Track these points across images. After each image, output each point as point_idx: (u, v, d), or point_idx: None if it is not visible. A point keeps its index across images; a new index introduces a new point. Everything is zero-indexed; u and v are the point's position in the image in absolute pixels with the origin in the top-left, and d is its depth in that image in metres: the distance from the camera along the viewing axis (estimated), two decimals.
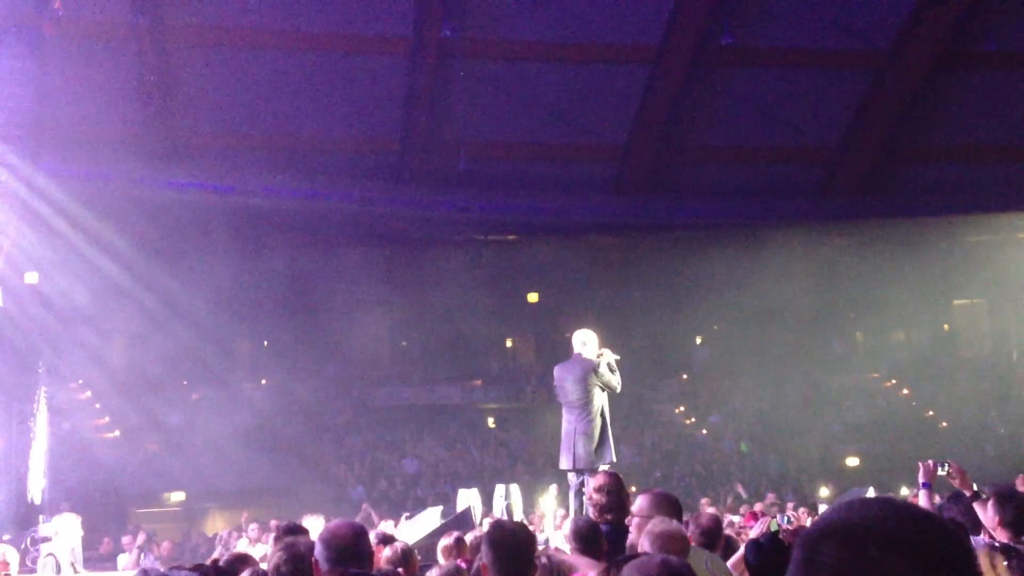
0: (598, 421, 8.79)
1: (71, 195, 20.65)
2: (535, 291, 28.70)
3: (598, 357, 8.98)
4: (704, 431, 27.76)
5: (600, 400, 8.86)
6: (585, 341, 9.05)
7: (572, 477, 8.94)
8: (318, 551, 3.90)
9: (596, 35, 23.29)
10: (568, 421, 8.94)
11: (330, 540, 3.90)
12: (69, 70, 20.72)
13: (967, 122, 26.01)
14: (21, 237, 19.49)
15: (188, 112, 23.46)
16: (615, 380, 8.96)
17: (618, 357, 9.13)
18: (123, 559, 13.01)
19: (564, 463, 8.99)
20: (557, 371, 9.21)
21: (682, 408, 28.68)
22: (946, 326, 32.23)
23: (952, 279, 29.31)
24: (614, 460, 8.80)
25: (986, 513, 5.38)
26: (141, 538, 13.50)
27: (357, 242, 26.82)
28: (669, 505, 5.01)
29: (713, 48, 23.50)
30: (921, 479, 5.94)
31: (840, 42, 24.15)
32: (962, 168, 27.05)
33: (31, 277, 20.93)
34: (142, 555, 13.31)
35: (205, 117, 23.61)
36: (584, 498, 7.82)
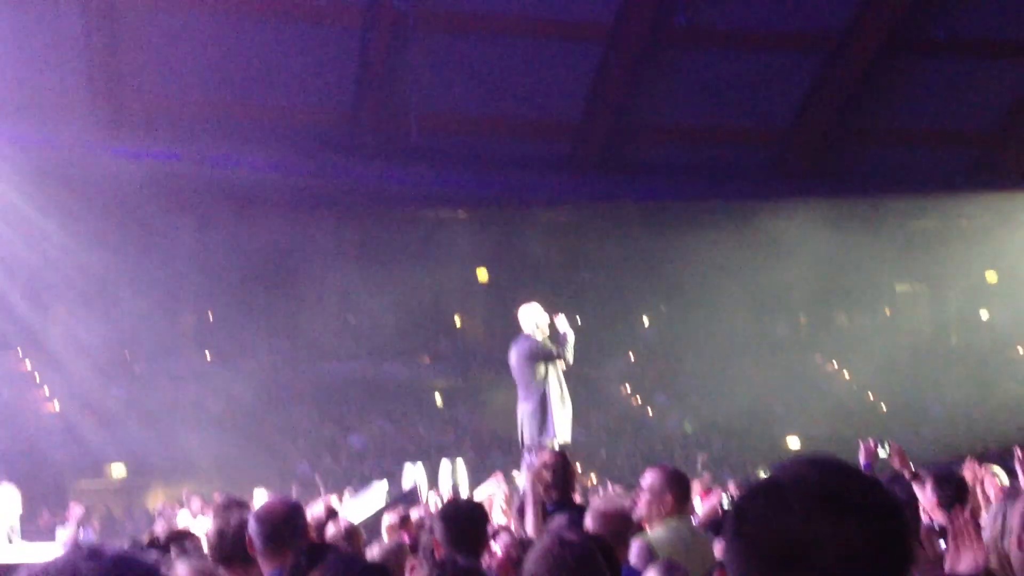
0: (540, 398, 8.75)
1: (12, 160, 20.19)
2: (485, 268, 28.64)
3: (538, 328, 8.90)
4: (649, 410, 27.98)
5: (545, 376, 8.79)
6: (529, 317, 8.99)
7: (526, 454, 8.94)
8: (252, 528, 3.87)
9: (551, 11, 23.21)
10: (518, 399, 8.95)
11: (264, 517, 3.88)
12: (13, 31, 20.19)
13: (915, 107, 26.37)
14: None
15: (136, 77, 23.02)
16: (557, 350, 8.80)
17: (575, 322, 9.01)
18: (62, 533, 12.80)
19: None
20: (511, 350, 9.19)
21: (628, 387, 28.88)
22: (888, 310, 32.77)
23: (895, 264, 29.76)
24: (555, 437, 8.70)
25: (924, 494, 5.46)
26: (79, 512, 13.30)
27: (306, 215, 26.55)
28: (680, 482, 5.00)
29: (667, 28, 23.55)
30: (862, 459, 6.01)
31: (793, 24, 24.32)
32: (908, 153, 27.45)
33: None
34: (80, 529, 13.12)
35: (153, 83, 23.18)
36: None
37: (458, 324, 30.46)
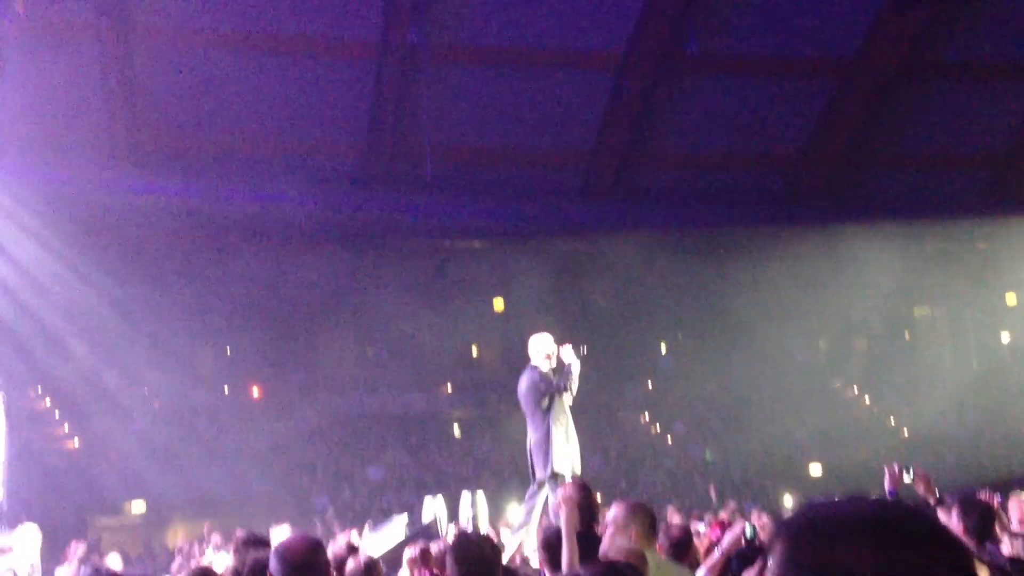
0: (545, 430, 8.57)
1: (32, 197, 20.36)
2: (501, 298, 28.64)
3: (547, 358, 8.72)
4: (669, 438, 27.83)
5: (548, 408, 8.59)
6: (537, 347, 8.82)
7: (550, 487, 8.71)
8: (273, 565, 3.85)
9: (562, 41, 23.33)
10: (527, 431, 8.79)
11: (285, 554, 3.86)
12: (31, 71, 20.42)
13: (929, 130, 26.33)
14: None
15: (152, 115, 23.22)
16: (559, 381, 8.50)
17: (580, 352, 8.80)
18: (62, 572, 12.58)
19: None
20: (519, 380, 9.03)
21: (647, 415, 28.74)
22: (907, 334, 32.56)
23: (913, 287, 29.61)
24: (557, 471, 8.52)
25: (950, 520, 5.39)
26: (81, 549, 13.06)
27: (322, 247, 26.63)
28: (644, 515, 4.94)
29: (678, 55, 23.62)
30: (887, 485, 5.94)
31: (804, 50, 24.37)
32: (924, 176, 27.38)
33: None
34: (81, 567, 12.90)
35: (169, 120, 23.38)
36: (552, 507, 7.75)
37: (475, 354, 30.42)
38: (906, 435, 27.75)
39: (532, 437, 8.63)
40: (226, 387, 26.89)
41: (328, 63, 23.05)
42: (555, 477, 8.42)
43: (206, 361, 27.74)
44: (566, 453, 8.53)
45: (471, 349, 30.29)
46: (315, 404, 27.02)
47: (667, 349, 30.96)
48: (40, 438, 23.09)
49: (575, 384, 8.58)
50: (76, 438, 23.83)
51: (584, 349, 8.90)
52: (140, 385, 25.16)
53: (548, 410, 8.52)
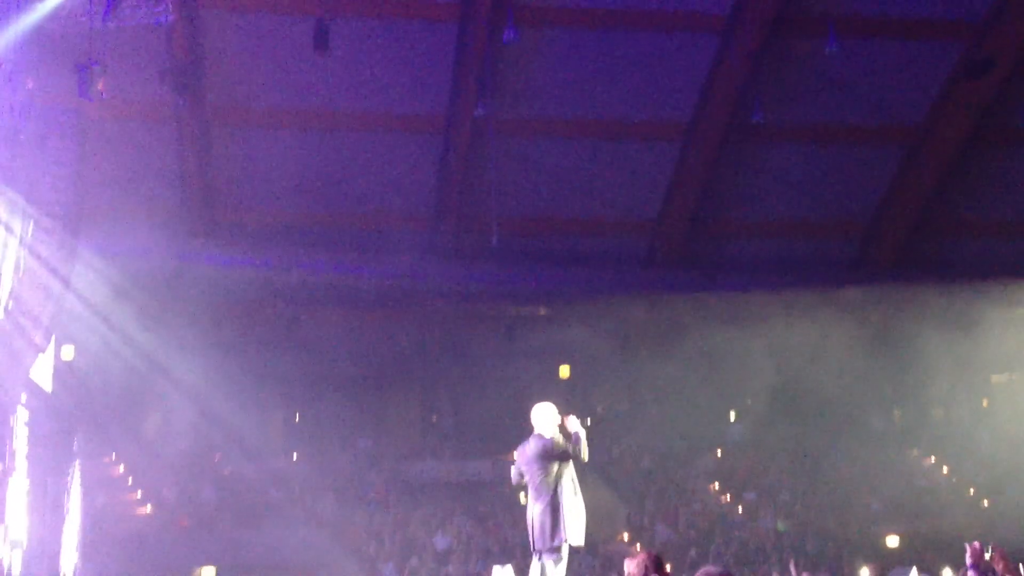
0: (551, 498, 8.58)
1: (111, 272, 20.95)
2: (567, 365, 28.57)
3: (558, 428, 8.80)
4: (740, 508, 27.30)
5: (558, 476, 8.64)
6: (544, 415, 8.92)
7: (545, 555, 8.62)
8: None
9: (627, 112, 23.55)
10: (529, 501, 8.77)
11: None
12: (111, 150, 21.18)
13: (1000, 196, 25.94)
14: (59, 313, 19.77)
15: (226, 190, 23.88)
16: (572, 449, 8.64)
17: (585, 423, 8.88)
18: None
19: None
20: (517, 453, 9.05)
21: (717, 485, 28.26)
22: (985, 401, 31.72)
23: (989, 354, 28.89)
24: (567, 540, 8.48)
25: None
26: None
27: (390, 316, 26.95)
28: (657, 567, 4.90)
29: (743, 125, 23.66)
30: (969, 560, 5.82)
31: (871, 119, 24.26)
32: (997, 242, 26.90)
33: (67, 352, 21.16)
34: None
35: (243, 195, 24.02)
36: None
37: None
38: (986, 506, 26.90)
39: (536, 507, 8.64)
40: (295, 453, 27.12)
41: (396, 137, 23.53)
42: (570, 547, 8.41)
43: (276, 428, 28.06)
44: (582, 523, 8.54)
45: None
46: (382, 470, 27.09)
47: (736, 417, 30.52)
48: (114, 504, 23.45)
49: (586, 451, 8.67)
50: (148, 505, 24.17)
51: (588, 421, 8.85)
52: (211, 452, 25.49)
53: (557, 478, 8.59)
